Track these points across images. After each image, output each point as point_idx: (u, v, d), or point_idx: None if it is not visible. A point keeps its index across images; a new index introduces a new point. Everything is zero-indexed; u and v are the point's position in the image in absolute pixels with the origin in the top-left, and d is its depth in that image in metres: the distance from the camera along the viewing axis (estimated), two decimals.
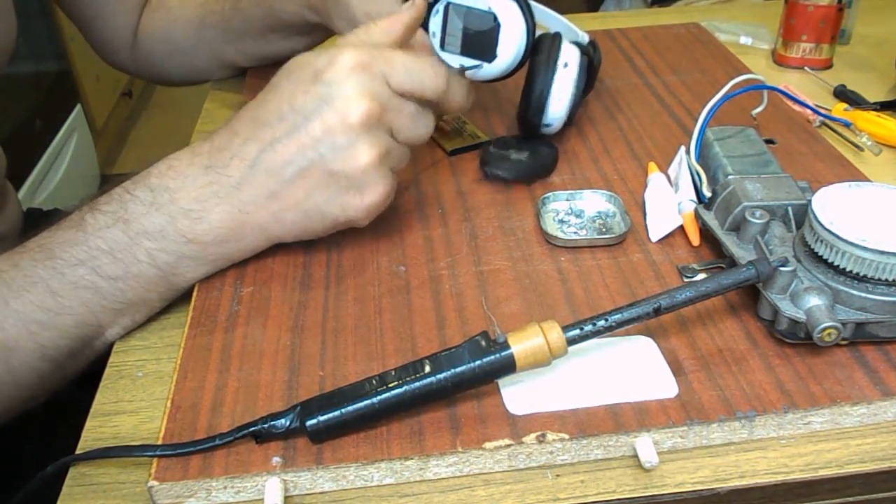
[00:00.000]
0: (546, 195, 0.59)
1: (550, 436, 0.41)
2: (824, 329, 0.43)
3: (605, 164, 0.64)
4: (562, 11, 0.71)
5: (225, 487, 0.40)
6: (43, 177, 1.78)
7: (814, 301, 0.44)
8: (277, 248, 0.55)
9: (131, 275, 0.49)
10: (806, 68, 0.82)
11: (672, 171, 0.61)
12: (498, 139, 0.67)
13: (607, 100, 0.74)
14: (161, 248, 0.49)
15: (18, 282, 0.48)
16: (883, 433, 0.43)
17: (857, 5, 0.87)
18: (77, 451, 0.44)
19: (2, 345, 0.47)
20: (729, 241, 0.51)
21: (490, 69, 0.60)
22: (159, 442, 0.42)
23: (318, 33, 0.76)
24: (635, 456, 0.41)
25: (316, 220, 0.51)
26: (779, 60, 0.84)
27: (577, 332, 0.42)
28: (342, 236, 0.56)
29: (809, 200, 0.47)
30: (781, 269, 0.45)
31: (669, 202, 0.57)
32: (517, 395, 0.43)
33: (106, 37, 0.84)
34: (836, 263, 0.45)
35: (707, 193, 0.55)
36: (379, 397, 0.41)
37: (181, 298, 0.53)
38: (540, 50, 0.61)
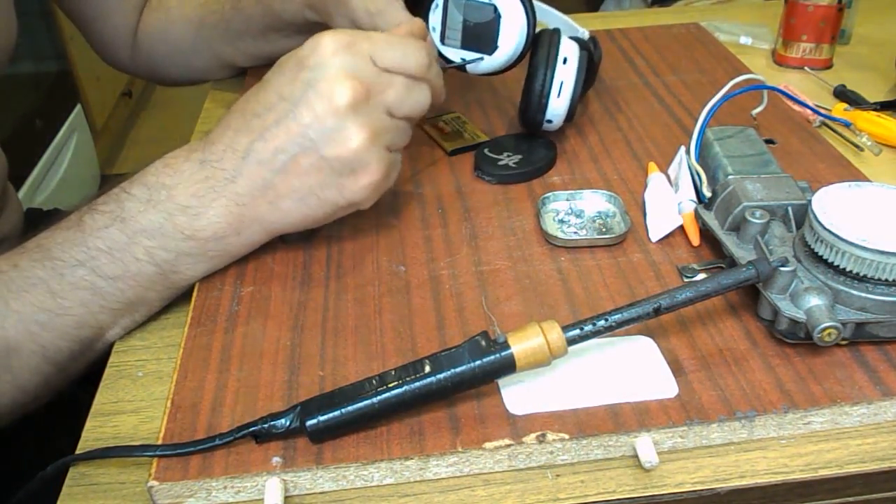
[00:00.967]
0: (546, 195, 0.59)
1: (550, 436, 0.41)
2: (824, 329, 0.43)
3: (605, 164, 0.64)
4: (561, 12, 0.71)
5: (225, 487, 0.40)
6: (43, 177, 1.78)
7: (814, 301, 0.44)
8: (277, 248, 0.55)
9: (130, 274, 0.49)
10: (806, 68, 0.82)
11: (672, 171, 0.61)
12: (494, 140, 0.67)
13: (607, 100, 0.74)
14: (159, 246, 0.49)
15: (18, 283, 0.48)
16: (883, 433, 0.43)
17: (857, 5, 0.87)
18: (77, 451, 0.44)
19: (2, 346, 0.47)
20: (729, 241, 0.51)
21: (491, 62, 0.60)
22: (159, 442, 0.42)
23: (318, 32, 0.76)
24: (635, 456, 0.41)
25: (314, 207, 0.51)
26: (779, 60, 0.84)
27: (577, 332, 0.42)
28: (342, 236, 0.56)
29: (809, 200, 0.47)
30: (781, 269, 0.45)
31: (669, 202, 0.57)
32: (517, 395, 0.43)
33: (106, 37, 0.84)
34: (836, 263, 0.45)
35: (707, 193, 0.55)
36: (379, 397, 0.41)
37: (181, 298, 0.53)
38: (539, 46, 0.61)
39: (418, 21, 0.58)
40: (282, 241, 0.55)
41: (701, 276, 0.52)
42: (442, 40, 0.60)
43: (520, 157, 0.64)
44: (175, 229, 0.49)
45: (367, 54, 0.49)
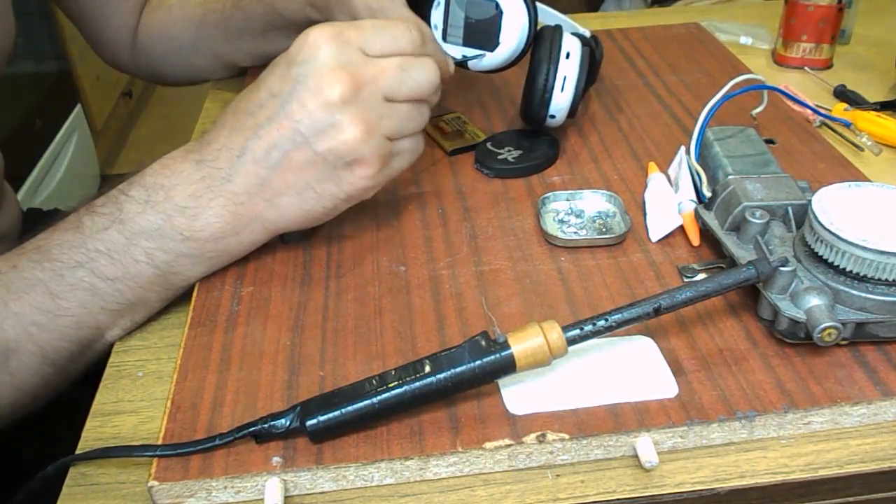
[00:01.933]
0: (546, 195, 0.59)
1: (550, 436, 0.41)
2: (824, 329, 0.43)
3: (605, 164, 0.64)
4: (561, 12, 0.71)
5: (225, 487, 0.40)
6: (43, 177, 1.78)
7: (814, 301, 0.44)
8: (277, 248, 0.55)
9: (130, 275, 0.49)
10: (806, 68, 0.82)
11: (672, 171, 0.61)
12: (498, 135, 0.67)
13: (607, 100, 0.74)
14: (158, 248, 0.49)
15: (17, 284, 0.48)
16: (883, 433, 0.43)
17: (857, 5, 0.87)
18: (77, 451, 0.44)
19: (1, 347, 0.47)
20: (729, 241, 0.51)
21: (493, 58, 0.60)
22: (159, 442, 0.42)
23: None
24: (635, 456, 0.41)
25: (313, 202, 0.50)
26: (779, 60, 0.84)
27: (577, 332, 0.42)
28: (342, 236, 0.56)
29: (809, 200, 0.47)
30: (781, 269, 0.45)
31: (669, 202, 0.57)
32: (517, 395, 0.43)
33: (106, 37, 0.84)
34: (836, 263, 0.45)
35: (707, 193, 0.55)
36: (379, 397, 0.41)
37: (181, 298, 0.53)
38: (541, 42, 0.61)
39: (418, 19, 0.58)
40: (281, 241, 0.55)
41: (701, 276, 0.52)
42: (444, 38, 0.60)
43: (520, 152, 0.64)
44: (174, 230, 0.49)
45: (355, 44, 0.48)
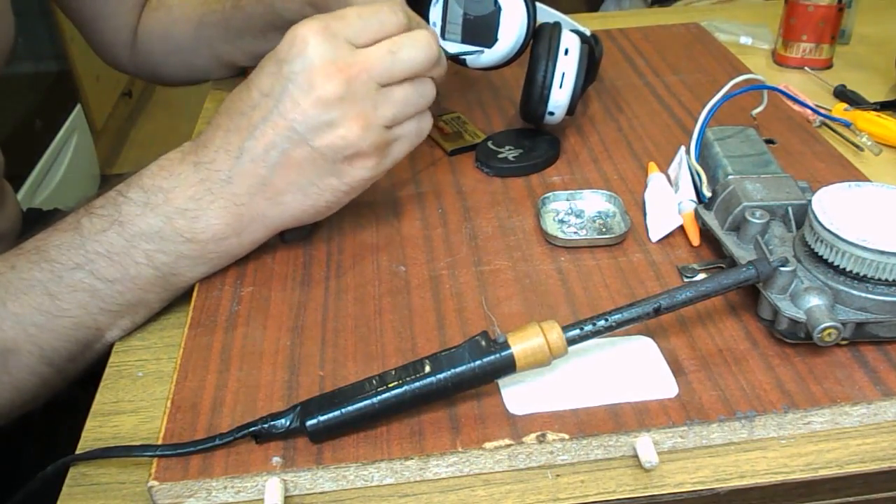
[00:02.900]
0: (546, 195, 0.59)
1: (550, 436, 0.41)
2: (824, 329, 0.43)
3: (605, 164, 0.64)
4: (562, 12, 0.71)
5: (225, 487, 0.40)
6: (43, 177, 1.78)
7: (814, 301, 0.44)
8: (277, 248, 0.55)
9: (129, 276, 0.49)
10: (806, 68, 0.82)
11: (672, 171, 0.61)
12: (498, 134, 0.67)
13: (607, 100, 0.74)
14: (159, 249, 0.49)
15: (16, 284, 0.48)
16: (883, 433, 0.43)
17: (857, 5, 0.87)
18: (77, 451, 0.44)
19: (0, 347, 0.47)
20: (729, 241, 0.51)
21: (491, 55, 0.60)
22: (159, 442, 0.42)
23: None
24: (635, 456, 0.41)
25: (316, 196, 0.50)
26: (779, 60, 0.84)
27: (577, 332, 0.42)
28: (343, 236, 0.56)
29: (809, 200, 0.47)
30: (781, 269, 0.45)
31: (669, 202, 0.57)
32: (517, 395, 0.43)
33: (105, 37, 0.84)
34: (836, 263, 0.45)
35: (707, 193, 0.55)
36: (379, 397, 0.41)
37: (181, 298, 0.53)
38: (540, 38, 0.61)
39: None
40: (281, 240, 0.55)
41: (701, 276, 0.52)
42: (442, 35, 0.60)
43: (521, 151, 0.64)
44: (174, 232, 0.49)
45: (342, 35, 0.48)
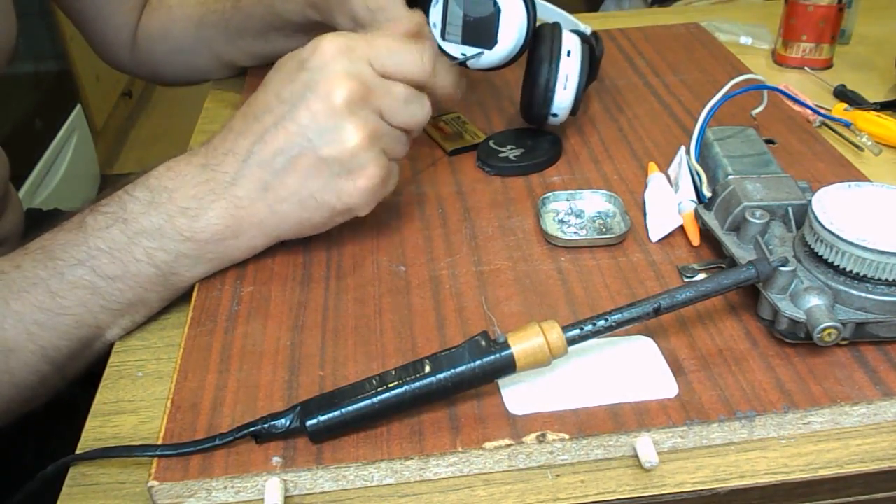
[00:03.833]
0: (546, 195, 0.59)
1: (550, 436, 0.41)
2: (824, 329, 0.43)
3: (605, 164, 0.64)
4: None
5: (225, 487, 0.40)
6: (43, 177, 1.78)
7: (814, 301, 0.44)
8: (277, 248, 0.55)
9: (130, 274, 0.49)
10: (806, 68, 0.82)
11: (672, 171, 0.61)
12: (499, 133, 0.67)
13: (607, 100, 0.74)
14: (159, 247, 0.49)
15: (19, 283, 0.48)
16: (883, 433, 0.43)
17: (857, 5, 0.87)
18: (77, 451, 0.44)
19: (1, 346, 0.47)
20: (729, 241, 0.51)
21: (491, 56, 0.60)
22: (159, 442, 0.42)
23: (319, 32, 0.76)
24: (635, 456, 0.41)
25: (313, 210, 0.51)
26: (779, 60, 0.84)
27: (577, 332, 0.42)
28: (342, 236, 0.56)
29: (809, 200, 0.47)
30: (781, 269, 0.45)
31: (669, 202, 0.57)
32: (517, 395, 0.43)
33: (106, 37, 0.84)
34: (836, 263, 0.45)
35: (707, 193, 0.55)
36: (379, 397, 0.41)
37: (181, 298, 0.53)
38: (541, 40, 0.61)
39: (418, 15, 0.58)
40: (281, 242, 0.55)
41: (701, 276, 0.52)
42: (442, 36, 0.60)
43: (522, 150, 0.64)
44: (174, 231, 0.49)
45: (366, 59, 0.49)
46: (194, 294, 0.52)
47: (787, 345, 0.46)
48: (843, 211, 0.46)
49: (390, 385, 0.41)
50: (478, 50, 0.60)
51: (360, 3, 0.62)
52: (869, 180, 0.59)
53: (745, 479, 0.40)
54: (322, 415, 0.41)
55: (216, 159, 0.50)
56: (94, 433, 0.45)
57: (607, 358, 0.46)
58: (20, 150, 1.72)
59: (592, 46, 0.65)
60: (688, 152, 0.59)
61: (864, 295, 0.44)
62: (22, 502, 0.45)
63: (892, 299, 0.44)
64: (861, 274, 0.44)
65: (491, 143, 0.66)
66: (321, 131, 0.48)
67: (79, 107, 2.03)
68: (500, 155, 0.64)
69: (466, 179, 0.63)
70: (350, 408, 0.41)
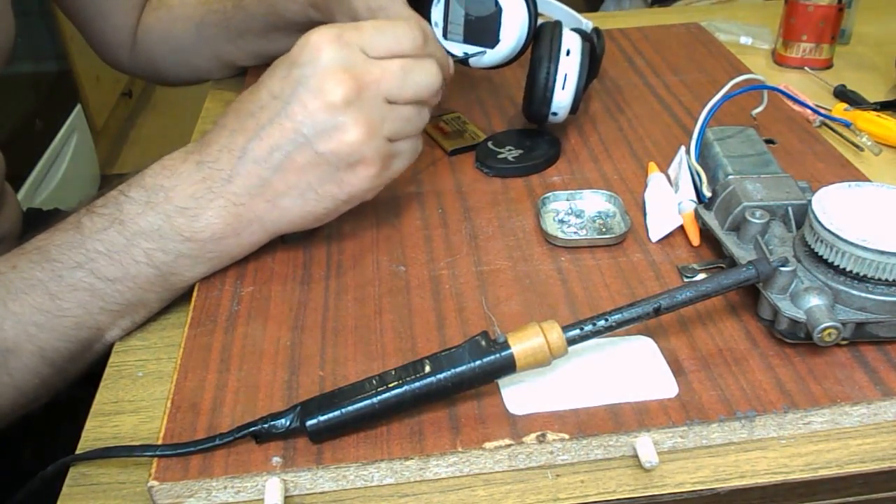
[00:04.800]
0: (546, 195, 0.59)
1: (550, 436, 0.41)
2: (824, 329, 0.43)
3: (605, 164, 0.64)
4: None
5: (225, 487, 0.40)
6: (43, 177, 1.78)
7: (814, 301, 0.44)
8: (277, 248, 0.55)
9: (129, 276, 0.49)
10: (806, 68, 0.82)
11: (672, 171, 0.61)
12: (498, 134, 0.67)
13: (607, 100, 0.74)
14: (158, 248, 0.49)
15: (17, 284, 0.48)
16: (883, 433, 0.43)
17: (857, 5, 0.87)
18: (77, 451, 0.44)
19: (1, 347, 0.47)
20: (729, 241, 0.51)
21: (493, 55, 0.60)
22: (159, 442, 0.42)
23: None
24: (635, 456, 0.41)
25: (314, 203, 0.50)
26: (779, 60, 0.84)
27: (577, 332, 0.42)
28: (342, 236, 0.56)
29: (809, 200, 0.47)
30: (781, 269, 0.45)
31: (669, 202, 0.57)
32: (517, 395, 0.43)
33: (106, 37, 0.84)
34: (836, 263, 0.45)
35: (707, 193, 0.55)
36: (379, 397, 0.41)
37: (181, 298, 0.53)
38: (542, 39, 0.61)
39: (417, 17, 0.58)
40: (281, 241, 0.55)
41: (701, 276, 0.52)
42: (444, 35, 0.60)
43: (521, 151, 0.64)
44: (173, 231, 0.49)
45: (357, 45, 0.48)
46: (194, 294, 0.52)
47: (787, 345, 0.46)
48: (843, 211, 0.46)
49: (390, 385, 0.41)
50: (480, 49, 0.60)
51: (361, 3, 0.62)
52: (869, 180, 0.59)
53: (745, 479, 0.40)
54: (322, 415, 0.41)
55: (211, 156, 0.49)
56: (94, 433, 0.45)
57: (607, 358, 0.46)
58: (20, 150, 1.72)
59: (593, 44, 0.65)
60: (688, 152, 0.59)
61: (864, 295, 0.44)
62: (22, 502, 0.45)
63: (892, 299, 0.44)
64: (861, 274, 0.44)
65: (489, 144, 0.66)
66: (316, 126, 0.48)
67: (79, 107, 2.03)
68: (499, 156, 0.64)
69: (466, 179, 0.63)
70: (350, 408, 0.41)
